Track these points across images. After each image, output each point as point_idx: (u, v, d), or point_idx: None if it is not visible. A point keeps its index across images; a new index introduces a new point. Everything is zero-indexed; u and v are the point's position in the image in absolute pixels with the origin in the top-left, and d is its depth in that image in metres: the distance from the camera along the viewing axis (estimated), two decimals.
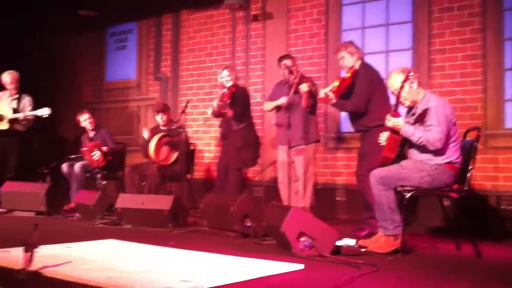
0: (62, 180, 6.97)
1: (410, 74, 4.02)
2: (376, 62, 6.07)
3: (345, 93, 5.12)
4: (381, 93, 5.00)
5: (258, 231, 4.52)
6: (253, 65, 7.61)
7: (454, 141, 4.05)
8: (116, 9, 8.62)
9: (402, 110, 4.26)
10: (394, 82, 4.14)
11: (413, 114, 4.17)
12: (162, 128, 6.84)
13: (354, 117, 5.14)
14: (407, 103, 4.16)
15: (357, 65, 5.11)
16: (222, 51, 7.89)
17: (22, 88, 7.20)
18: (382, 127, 4.78)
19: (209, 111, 6.12)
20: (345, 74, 5.22)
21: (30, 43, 8.59)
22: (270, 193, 6.22)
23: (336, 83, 5.09)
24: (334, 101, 5.07)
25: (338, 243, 3.84)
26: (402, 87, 4.02)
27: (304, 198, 5.62)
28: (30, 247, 2.82)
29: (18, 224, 5.34)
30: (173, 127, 6.54)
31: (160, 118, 6.83)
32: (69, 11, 8.60)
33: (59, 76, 9.58)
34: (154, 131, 6.84)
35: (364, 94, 4.97)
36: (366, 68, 5.10)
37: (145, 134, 6.73)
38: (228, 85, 6.03)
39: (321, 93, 5.17)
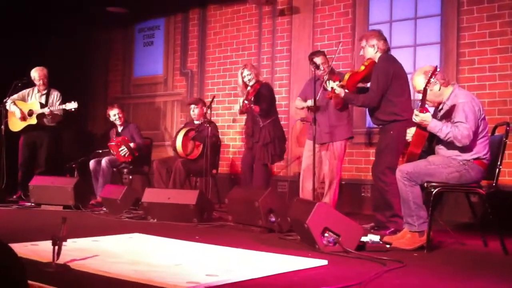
0: (89, 174, 7.08)
1: (432, 79, 3.94)
2: (403, 56, 6.02)
3: (362, 87, 5.06)
4: (399, 88, 4.88)
5: (282, 226, 4.52)
6: (279, 60, 7.60)
7: (483, 137, 3.98)
8: (144, 6, 8.70)
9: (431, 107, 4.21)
10: (416, 83, 4.08)
11: (441, 110, 4.11)
12: (195, 122, 6.87)
13: (371, 111, 5.07)
14: (430, 104, 4.11)
15: (376, 57, 4.97)
16: (248, 46, 7.90)
17: (51, 83, 7.31)
18: (398, 123, 4.74)
19: (236, 107, 6.14)
20: (360, 66, 5.13)
21: (61, 39, 8.70)
22: (294, 188, 6.22)
23: (346, 76, 5.03)
24: (342, 95, 5.01)
25: (363, 239, 3.82)
26: (425, 89, 3.95)
27: (329, 194, 5.60)
28: (58, 241, 2.86)
29: (46, 218, 5.43)
30: (201, 122, 6.59)
31: (192, 111, 6.88)
32: (99, 7, 8.71)
33: (89, 72, 9.73)
34: (187, 125, 6.90)
35: (377, 89, 4.85)
36: (385, 62, 4.92)
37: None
38: (251, 83, 6.04)
39: (328, 87, 5.10)
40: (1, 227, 4.53)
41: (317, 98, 5.28)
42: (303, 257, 3.41)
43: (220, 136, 7.39)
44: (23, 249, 3.33)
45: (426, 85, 3.95)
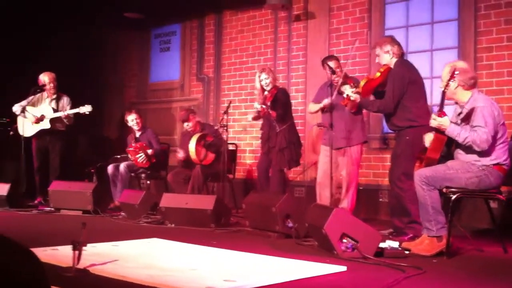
0: (107, 179, 7.13)
1: (451, 82, 3.93)
2: (420, 61, 5.98)
3: (379, 91, 5.04)
4: (415, 93, 4.84)
5: (299, 232, 4.51)
6: (295, 65, 7.60)
7: (502, 142, 3.95)
8: (161, 11, 8.76)
9: (449, 110, 4.18)
10: (442, 77, 4.05)
11: (460, 114, 4.08)
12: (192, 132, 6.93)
13: (387, 117, 5.05)
14: (446, 98, 4.07)
15: (392, 63, 4.94)
16: (264, 51, 7.92)
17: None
18: (414, 129, 4.70)
19: (250, 117, 6.18)
20: (375, 73, 5.12)
21: (77, 44, 8.79)
22: (311, 193, 6.21)
23: (361, 83, 5.02)
24: (357, 101, 4.99)
25: (381, 245, 3.80)
26: (443, 93, 3.94)
27: (346, 199, 5.59)
28: (78, 245, 2.88)
29: (66, 223, 5.48)
30: (215, 127, 6.62)
31: (186, 126, 6.95)
32: (116, 13, 8.79)
33: (106, 77, 9.82)
34: (186, 136, 6.93)
35: (392, 95, 4.82)
36: (401, 67, 4.89)
37: (180, 154, 6.85)
38: (268, 88, 6.06)
39: (343, 90, 5.09)
40: (21, 232, 4.58)
41: (332, 102, 5.28)
42: (321, 263, 3.41)
43: (235, 142, 7.41)
44: (43, 253, 3.37)
45: (444, 88, 3.93)
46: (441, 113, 3.95)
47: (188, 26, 8.91)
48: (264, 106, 5.93)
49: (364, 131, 5.78)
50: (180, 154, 6.87)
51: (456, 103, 4.14)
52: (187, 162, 6.83)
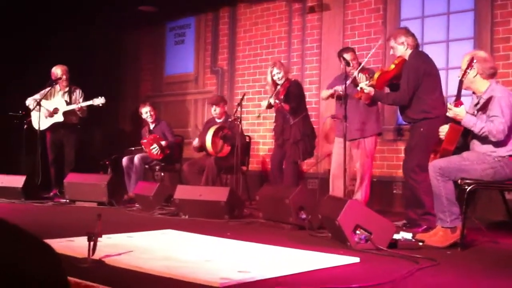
0: (122, 171, 7.18)
1: (468, 70, 3.89)
2: (436, 52, 5.93)
3: (394, 84, 5.01)
4: (430, 85, 4.81)
5: (313, 223, 4.52)
6: (309, 57, 7.58)
7: None
8: (175, 4, 8.77)
9: (466, 101, 4.14)
10: (461, 65, 4.02)
11: (477, 104, 4.04)
12: (217, 120, 6.95)
13: (402, 109, 5.01)
14: (464, 86, 4.03)
15: (407, 54, 4.91)
16: (278, 43, 7.90)
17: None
18: (429, 120, 4.67)
19: (263, 103, 6.15)
20: (390, 65, 5.09)
21: (93, 37, 8.83)
22: (325, 185, 6.20)
23: (375, 76, 4.98)
24: (371, 94, 4.96)
25: (395, 236, 3.79)
26: (461, 81, 3.90)
27: (360, 191, 5.58)
28: (94, 237, 2.91)
29: (81, 214, 5.53)
30: (229, 120, 6.63)
31: (213, 111, 6.94)
32: (131, 7, 8.82)
33: (121, 70, 9.87)
34: (209, 123, 6.95)
35: (407, 87, 4.79)
36: (415, 59, 4.85)
37: (195, 142, 6.88)
38: (280, 82, 6.04)
39: (358, 87, 5.06)
40: (37, 224, 4.63)
41: (347, 93, 5.26)
42: (334, 254, 3.41)
43: (249, 134, 7.42)
44: (59, 244, 3.40)
45: (462, 77, 3.90)
46: (458, 103, 3.90)
47: (203, 19, 8.92)
48: (277, 101, 5.93)
49: (379, 123, 5.75)
50: (195, 142, 6.89)
51: (473, 93, 4.10)
52: (202, 149, 6.87)
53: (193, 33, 9.07)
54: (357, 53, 5.90)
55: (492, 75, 3.99)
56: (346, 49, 5.81)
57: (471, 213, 4.34)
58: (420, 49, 5.05)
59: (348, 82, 5.25)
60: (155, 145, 7.04)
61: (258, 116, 6.20)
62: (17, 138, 7.46)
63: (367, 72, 5.31)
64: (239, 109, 6.32)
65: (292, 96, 6.00)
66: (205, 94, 8.76)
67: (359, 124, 5.56)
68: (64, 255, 3.10)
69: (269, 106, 6.12)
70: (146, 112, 7.34)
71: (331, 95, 5.71)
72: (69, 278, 2.54)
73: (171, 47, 9.37)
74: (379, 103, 5.67)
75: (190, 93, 9.03)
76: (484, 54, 4.07)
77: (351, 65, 5.51)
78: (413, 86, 4.77)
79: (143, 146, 7.21)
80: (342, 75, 5.75)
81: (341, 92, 5.39)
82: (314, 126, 6.38)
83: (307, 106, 6.36)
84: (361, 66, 5.38)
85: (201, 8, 8.82)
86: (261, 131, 7.97)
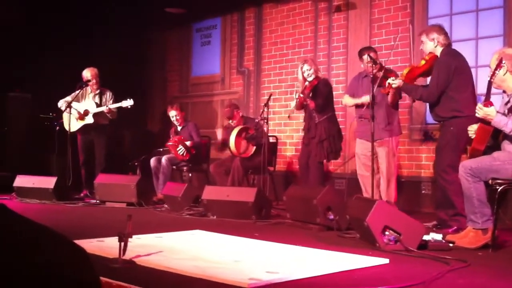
0: (150, 172, 7.25)
1: (497, 71, 3.83)
2: (465, 50, 5.84)
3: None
4: (461, 83, 4.74)
5: (341, 224, 4.50)
6: (335, 57, 7.55)
7: None
8: (201, 6, 8.83)
9: (497, 100, 4.08)
10: (490, 65, 3.96)
11: (508, 103, 3.98)
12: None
13: (431, 107, 4.96)
14: (495, 86, 3.97)
15: (437, 52, 4.85)
16: (304, 43, 7.89)
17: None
18: (459, 119, 4.61)
19: (292, 104, 6.14)
20: (420, 61, 5.04)
21: (120, 40, 8.94)
22: (352, 185, 6.17)
23: (405, 71, 4.94)
24: (400, 85, 4.91)
25: (425, 237, 3.75)
26: (490, 82, 3.85)
27: (388, 191, 5.53)
28: (124, 237, 2.95)
29: (111, 215, 5.60)
30: (256, 120, 6.66)
31: (231, 122, 7.05)
32: (158, 8, 8.91)
33: (148, 72, 9.97)
34: (230, 129, 7.00)
35: (437, 84, 4.74)
36: (447, 56, 4.80)
37: (219, 134, 6.95)
38: (310, 79, 6.02)
39: (386, 83, 5.02)
40: (68, 224, 4.71)
41: (372, 94, 5.23)
42: (363, 255, 3.39)
43: (275, 134, 7.42)
44: (90, 245, 3.46)
45: (490, 78, 3.84)
46: (487, 103, 3.85)
47: (229, 19, 8.95)
48: (302, 95, 5.90)
49: (400, 125, 5.75)
50: (219, 134, 7.00)
51: (504, 92, 4.04)
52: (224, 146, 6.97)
53: (219, 34, 9.11)
54: (384, 52, 5.86)
55: None
56: (368, 48, 5.77)
57: (503, 214, 4.27)
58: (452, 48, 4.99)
59: (375, 86, 5.21)
60: (180, 146, 7.10)
61: (289, 117, 6.18)
62: (48, 140, 7.60)
63: (393, 75, 5.29)
64: (265, 109, 6.32)
65: (319, 94, 5.97)
66: (231, 95, 8.79)
67: (384, 125, 5.53)
68: (94, 255, 3.15)
69: (298, 106, 6.08)
70: (172, 116, 7.44)
71: (360, 105, 5.69)
72: (101, 278, 2.58)
73: (197, 48, 9.43)
74: (406, 103, 5.63)
75: (217, 94, 9.07)
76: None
77: (377, 63, 5.48)
78: (443, 84, 4.72)
79: (169, 148, 7.28)
80: (361, 76, 5.74)
81: (367, 102, 5.38)
82: (341, 126, 6.32)
83: (334, 106, 6.32)
84: (384, 69, 5.34)
85: (227, 9, 8.86)
86: (287, 131, 7.96)
